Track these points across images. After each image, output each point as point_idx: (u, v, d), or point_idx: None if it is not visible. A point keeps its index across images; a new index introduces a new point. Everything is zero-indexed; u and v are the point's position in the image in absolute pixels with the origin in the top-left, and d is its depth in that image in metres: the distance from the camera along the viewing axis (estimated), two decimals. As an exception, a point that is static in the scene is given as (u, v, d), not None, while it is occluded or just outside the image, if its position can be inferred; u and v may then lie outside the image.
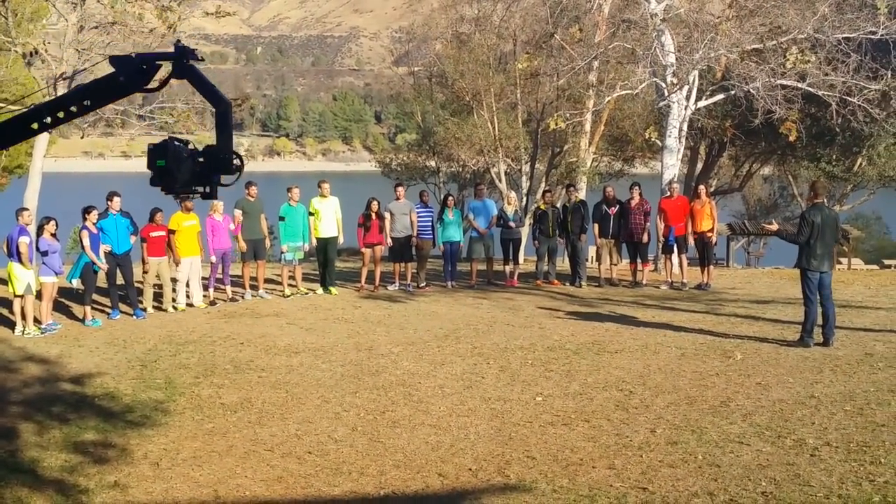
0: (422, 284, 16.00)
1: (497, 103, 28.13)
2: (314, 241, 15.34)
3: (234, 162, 4.61)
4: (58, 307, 13.64)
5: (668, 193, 16.04)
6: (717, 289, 15.72)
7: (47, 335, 12.19)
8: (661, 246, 16.70)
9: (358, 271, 16.76)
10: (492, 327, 12.32)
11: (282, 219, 15.23)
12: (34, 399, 9.22)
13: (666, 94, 17.97)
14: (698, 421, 7.81)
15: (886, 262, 32.29)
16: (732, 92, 18.33)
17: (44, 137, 17.12)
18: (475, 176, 34.51)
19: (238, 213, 14.84)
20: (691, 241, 15.55)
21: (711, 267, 16.18)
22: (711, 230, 15.73)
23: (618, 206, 15.95)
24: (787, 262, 28.68)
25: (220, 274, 14.95)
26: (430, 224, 16.05)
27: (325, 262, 15.66)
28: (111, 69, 4.76)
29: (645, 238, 15.80)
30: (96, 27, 17.63)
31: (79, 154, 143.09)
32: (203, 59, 4.83)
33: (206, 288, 14.80)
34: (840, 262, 28.39)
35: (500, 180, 28.42)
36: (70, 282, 13.24)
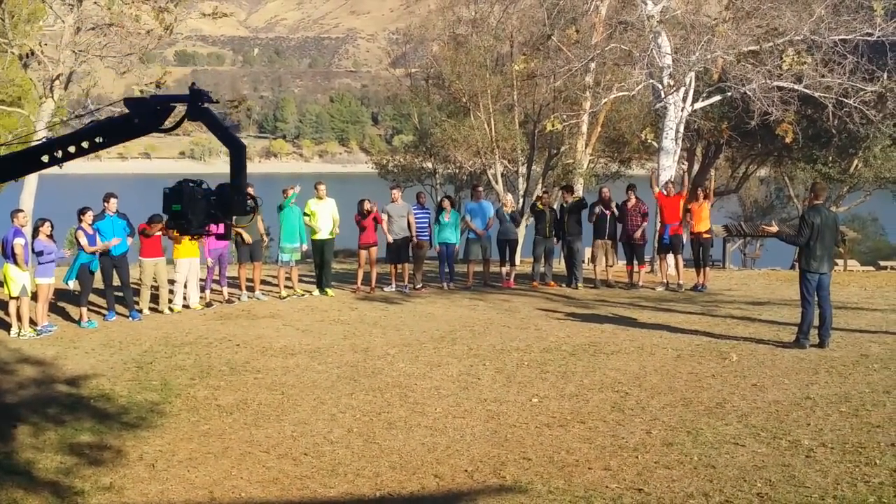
0: (418, 286, 16.00)
1: (494, 105, 28.18)
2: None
3: (249, 203, 4.68)
4: (54, 309, 13.62)
5: (666, 192, 16.03)
6: (713, 290, 15.74)
7: (43, 337, 12.17)
8: (657, 246, 16.72)
9: (354, 273, 16.75)
10: (488, 329, 12.32)
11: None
12: (30, 400, 9.20)
13: (662, 95, 18.00)
14: (694, 422, 7.82)
15: (882, 263, 32.32)
16: (729, 93, 18.38)
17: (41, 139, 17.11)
18: (472, 177, 34.54)
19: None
20: (691, 226, 15.57)
21: (707, 268, 16.20)
22: (709, 231, 15.76)
23: (614, 207, 15.99)
24: (783, 264, 28.75)
25: (217, 275, 14.94)
26: (426, 225, 16.08)
27: (321, 264, 15.67)
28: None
29: (638, 234, 15.81)
30: (93, 29, 17.59)
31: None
32: (217, 101, 4.88)
33: (202, 289, 14.79)
34: (836, 264, 28.41)
35: (496, 182, 28.44)
36: (67, 283, 13.23)
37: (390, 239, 15.77)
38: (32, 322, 12.45)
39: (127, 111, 4.77)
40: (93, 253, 13.01)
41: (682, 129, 18.49)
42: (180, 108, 4.74)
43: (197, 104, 4.67)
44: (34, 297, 12.47)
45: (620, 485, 6.43)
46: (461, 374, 9.85)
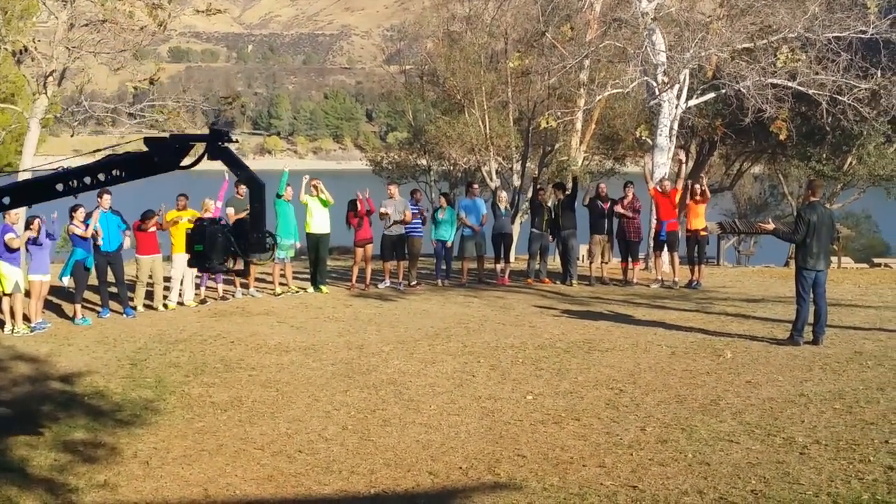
0: (413, 283, 16.00)
1: (488, 102, 28.12)
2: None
3: (267, 240, 4.79)
4: (48, 306, 13.58)
5: (661, 189, 16.05)
6: (708, 287, 15.76)
7: (37, 334, 12.15)
8: (653, 243, 16.74)
9: (349, 269, 16.74)
10: (483, 326, 12.32)
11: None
12: (23, 398, 9.18)
13: (657, 92, 18.01)
14: (688, 419, 7.83)
15: (876, 260, 32.43)
16: (723, 91, 18.39)
17: (34, 135, 17.04)
18: (466, 174, 34.49)
19: (231, 211, 14.80)
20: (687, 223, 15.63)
21: (702, 265, 16.23)
22: (705, 229, 15.79)
23: (610, 203, 16.03)
24: (777, 261, 28.78)
25: (212, 272, 14.89)
26: (421, 222, 16.09)
27: (316, 261, 15.65)
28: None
29: (633, 228, 15.84)
30: (87, 25, 17.50)
31: (69, 152, 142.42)
32: (237, 141, 4.93)
33: (197, 286, 14.76)
34: (830, 261, 28.48)
35: (490, 179, 28.42)
36: (61, 280, 13.19)
37: (391, 220, 15.69)
38: (26, 319, 12.43)
39: (146, 149, 4.83)
40: (92, 237, 12.95)
41: (676, 126, 18.50)
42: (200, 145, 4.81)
43: (217, 143, 4.75)
44: (27, 293, 12.44)
45: (615, 482, 6.44)
46: (456, 371, 9.85)
